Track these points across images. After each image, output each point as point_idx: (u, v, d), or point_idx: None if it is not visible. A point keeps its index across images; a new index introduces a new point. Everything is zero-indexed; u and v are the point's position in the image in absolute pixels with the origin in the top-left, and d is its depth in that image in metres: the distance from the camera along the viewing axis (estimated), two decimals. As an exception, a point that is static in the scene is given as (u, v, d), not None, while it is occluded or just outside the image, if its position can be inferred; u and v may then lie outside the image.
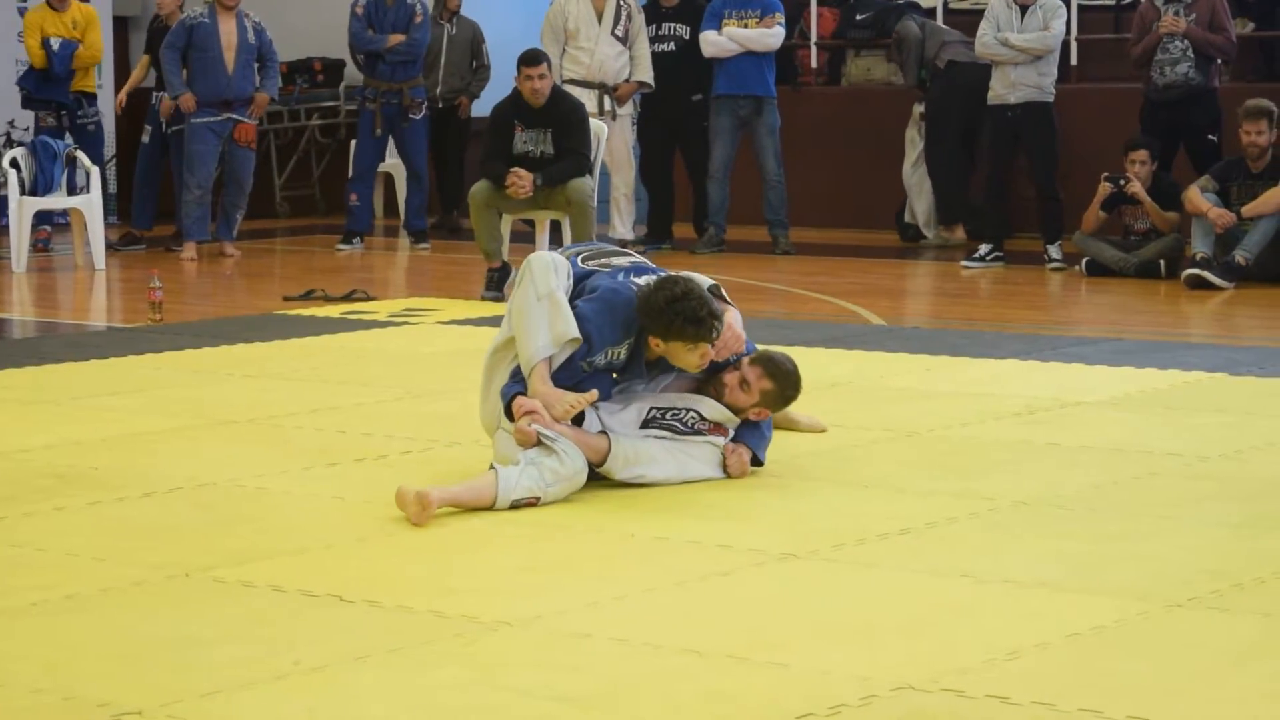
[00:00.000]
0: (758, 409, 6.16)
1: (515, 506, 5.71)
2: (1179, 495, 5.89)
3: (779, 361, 6.22)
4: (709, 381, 6.19)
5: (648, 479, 5.99)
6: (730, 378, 6.15)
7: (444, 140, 15.39)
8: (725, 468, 6.12)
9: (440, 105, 15.28)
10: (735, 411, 6.16)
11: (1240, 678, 4.17)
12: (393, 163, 15.54)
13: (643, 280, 6.13)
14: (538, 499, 5.76)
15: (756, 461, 6.19)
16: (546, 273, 6.02)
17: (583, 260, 6.31)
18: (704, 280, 6.12)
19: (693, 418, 6.11)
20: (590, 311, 6.00)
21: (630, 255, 6.51)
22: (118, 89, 15.83)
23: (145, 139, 14.58)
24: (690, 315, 5.88)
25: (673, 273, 6.07)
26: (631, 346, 6.06)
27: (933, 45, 13.88)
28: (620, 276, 6.19)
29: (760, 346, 6.43)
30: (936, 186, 14.07)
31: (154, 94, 14.52)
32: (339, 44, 15.39)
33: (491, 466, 5.84)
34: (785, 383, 6.20)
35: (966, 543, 5.34)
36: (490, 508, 5.69)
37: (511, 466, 5.78)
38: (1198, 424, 6.98)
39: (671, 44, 14.01)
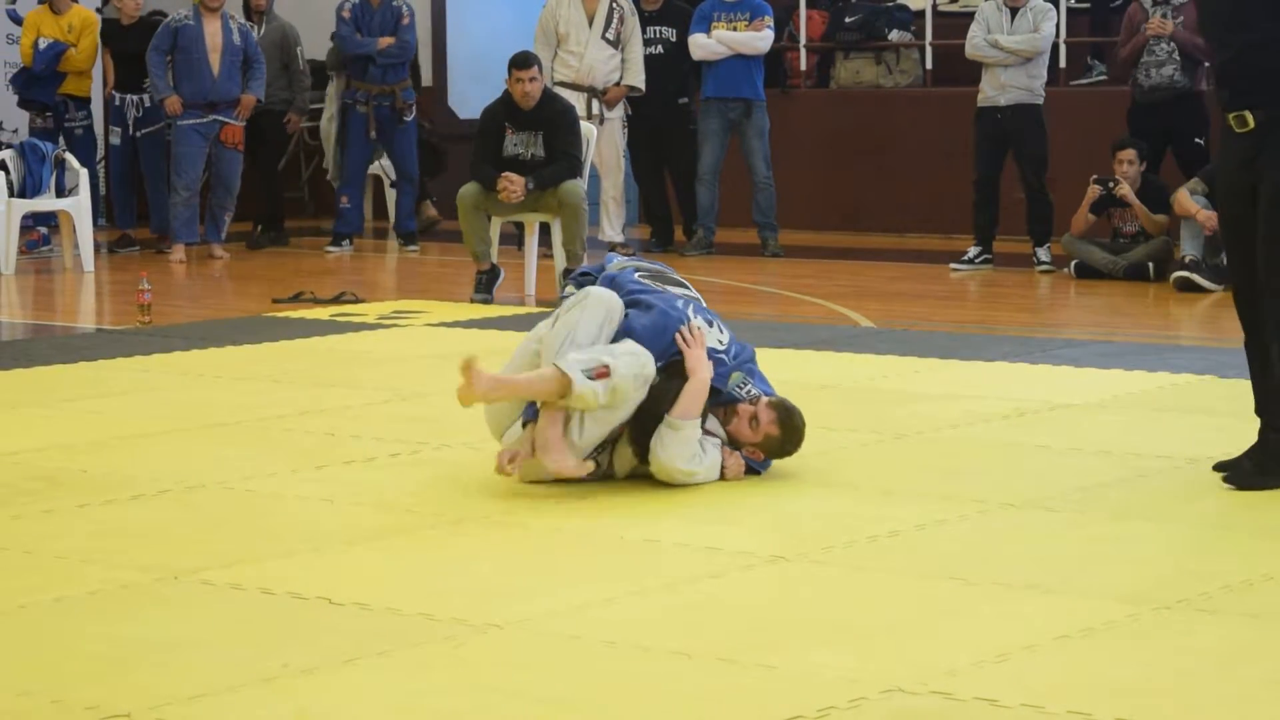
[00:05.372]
0: (754, 450, 6.16)
1: (590, 376, 5.76)
2: (1167, 497, 5.89)
3: (793, 415, 6.18)
4: (720, 403, 6.18)
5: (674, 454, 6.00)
6: (744, 408, 6.14)
7: (256, 150, 14.62)
8: (723, 469, 6.12)
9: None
10: (732, 441, 6.17)
11: (1228, 680, 4.17)
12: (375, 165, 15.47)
13: (690, 312, 6.16)
14: (608, 366, 5.80)
15: (753, 471, 6.20)
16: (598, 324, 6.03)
17: (639, 276, 6.37)
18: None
19: None
20: (640, 326, 6.06)
21: (687, 288, 6.50)
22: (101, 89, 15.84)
23: (116, 140, 14.58)
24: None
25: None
26: (661, 368, 6.06)
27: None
28: (680, 304, 6.23)
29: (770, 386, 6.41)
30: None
31: (115, 95, 14.51)
32: (327, 46, 15.33)
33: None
34: (789, 436, 6.17)
35: (955, 545, 5.35)
36: (568, 392, 5.74)
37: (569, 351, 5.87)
38: (1186, 426, 6.99)
39: (659, 47, 14.02)
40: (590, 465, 5.95)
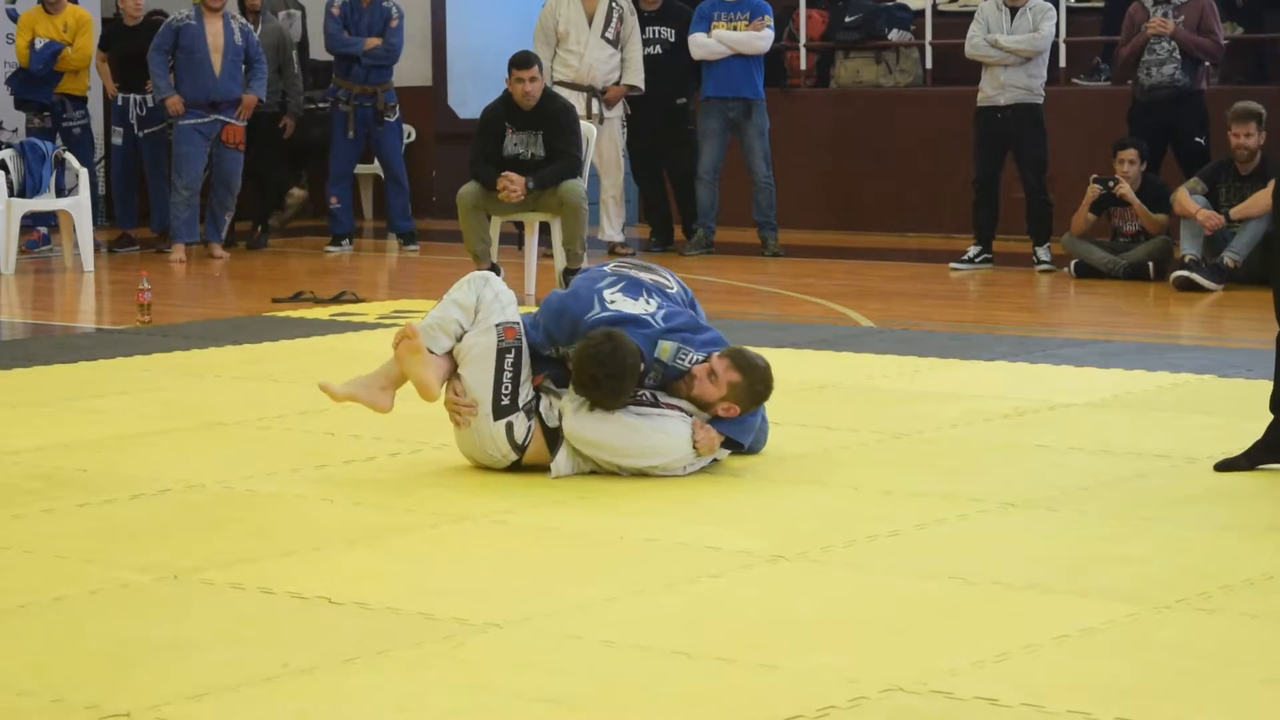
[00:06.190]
0: (726, 404, 6.13)
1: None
2: (1167, 497, 5.89)
3: (749, 356, 6.18)
4: (677, 377, 6.17)
5: (602, 443, 6.03)
6: (699, 369, 6.12)
7: (249, 152, 14.43)
8: (694, 443, 6.10)
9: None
10: (702, 406, 6.14)
11: (1228, 680, 4.17)
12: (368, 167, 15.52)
13: (619, 299, 6.18)
14: (444, 297, 6.17)
15: (736, 445, 6.16)
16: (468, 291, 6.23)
17: (613, 267, 6.44)
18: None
19: (649, 399, 6.11)
20: (551, 302, 6.23)
21: (660, 276, 6.48)
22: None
23: (118, 140, 14.57)
24: (588, 378, 5.96)
25: (619, 336, 6.02)
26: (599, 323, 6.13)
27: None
28: (603, 282, 6.23)
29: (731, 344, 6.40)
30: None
31: (118, 95, 14.51)
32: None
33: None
34: (754, 377, 6.14)
35: (955, 544, 5.35)
36: (416, 335, 6.11)
37: None
38: (1186, 426, 6.99)
39: (658, 47, 14.02)
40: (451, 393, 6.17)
